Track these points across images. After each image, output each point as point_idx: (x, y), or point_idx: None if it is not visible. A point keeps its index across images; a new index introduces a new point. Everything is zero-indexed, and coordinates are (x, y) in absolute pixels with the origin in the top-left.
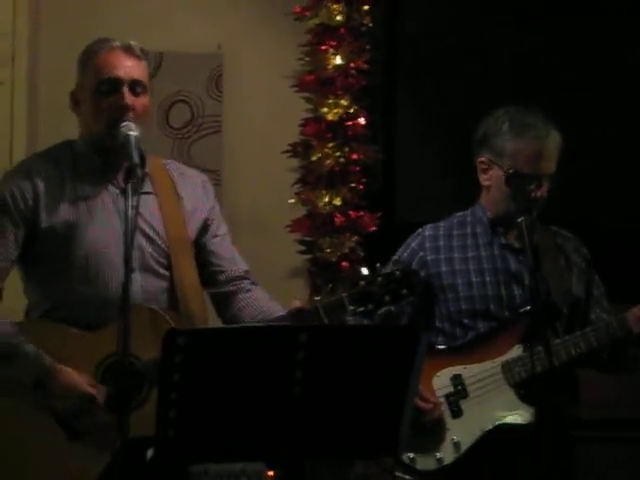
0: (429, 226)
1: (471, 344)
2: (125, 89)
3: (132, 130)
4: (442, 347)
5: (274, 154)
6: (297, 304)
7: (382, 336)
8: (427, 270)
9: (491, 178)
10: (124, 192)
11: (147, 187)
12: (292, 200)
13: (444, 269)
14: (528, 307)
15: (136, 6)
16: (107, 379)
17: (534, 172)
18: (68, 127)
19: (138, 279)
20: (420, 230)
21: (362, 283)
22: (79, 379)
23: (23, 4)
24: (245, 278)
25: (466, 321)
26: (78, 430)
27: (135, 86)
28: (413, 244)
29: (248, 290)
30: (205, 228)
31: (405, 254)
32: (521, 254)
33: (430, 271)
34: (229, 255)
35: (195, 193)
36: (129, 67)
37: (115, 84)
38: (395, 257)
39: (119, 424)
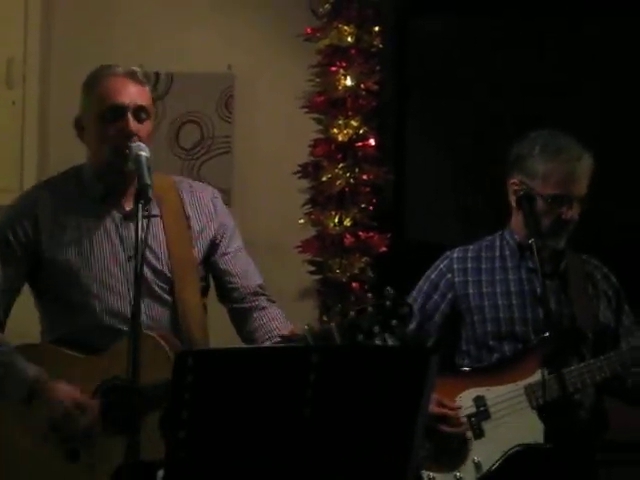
0: (458, 249)
1: (495, 366)
2: (129, 116)
3: (143, 150)
4: (466, 368)
5: (284, 175)
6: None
7: (393, 356)
8: (454, 292)
9: None
10: (126, 218)
11: (153, 209)
12: (302, 220)
13: (471, 291)
14: (549, 332)
15: (147, 27)
16: (106, 403)
17: (565, 193)
18: (79, 148)
19: (142, 306)
20: (448, 253)
21: (352, 314)
22: (69, 389)
23: (35, 26)
24: (260, 294)
25: (492, 343)
26: (77, 451)
27: (139, 112)
28: (441, 266)
29: (263, 308)
30: (214, 247)
31: (433, 275)
32: (549, 279)
33: (457, 293)
34: (241, 271)
35: (204, 211)
36: (133, 93)
37: (119, 111)
38: (409, 297)
39: (128, 447)
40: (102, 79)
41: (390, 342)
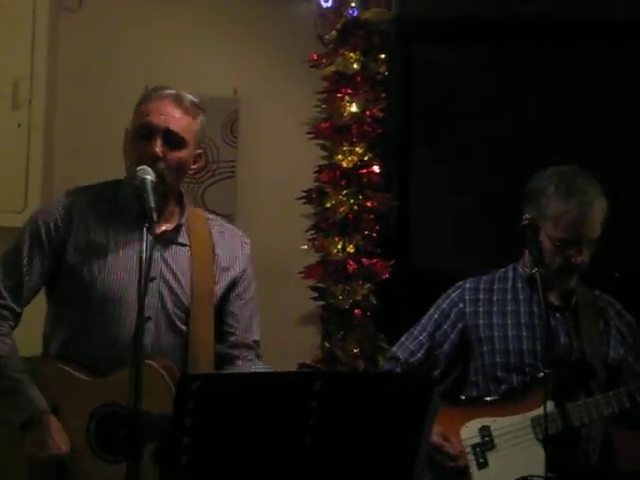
0: (470, 279)
1: (503, 397)
2: (158, 138)
3: (148, 174)
4: (473, 398)
5: (288, 200)
6: None
7: (395, 385)
8: (465, 322)
9: None
10: (156, 240)
11: (183, 238)
12: (305, 246)
13: (482, 322)
14: (558, 365)
15: (152, 50)
16: (102, 427)
17: (574, 238)
18: (83, 170)
19: (152, 328)
20: (461, 282)
21: None
22: (58, 439)
23: (42, 47)
24: (251, 348)
25: (500, 374)
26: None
27: (171, 137)
28: (453, 295)
29: (249, 360)
30: (232, 287)
31: (444, 305)
32: (560, 312)
33: (468, 324)
34: (245, 322)
35: (231, 251)
36: (169, 117)
37: (149, 131)
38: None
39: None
40: (149, 98)
41: None
